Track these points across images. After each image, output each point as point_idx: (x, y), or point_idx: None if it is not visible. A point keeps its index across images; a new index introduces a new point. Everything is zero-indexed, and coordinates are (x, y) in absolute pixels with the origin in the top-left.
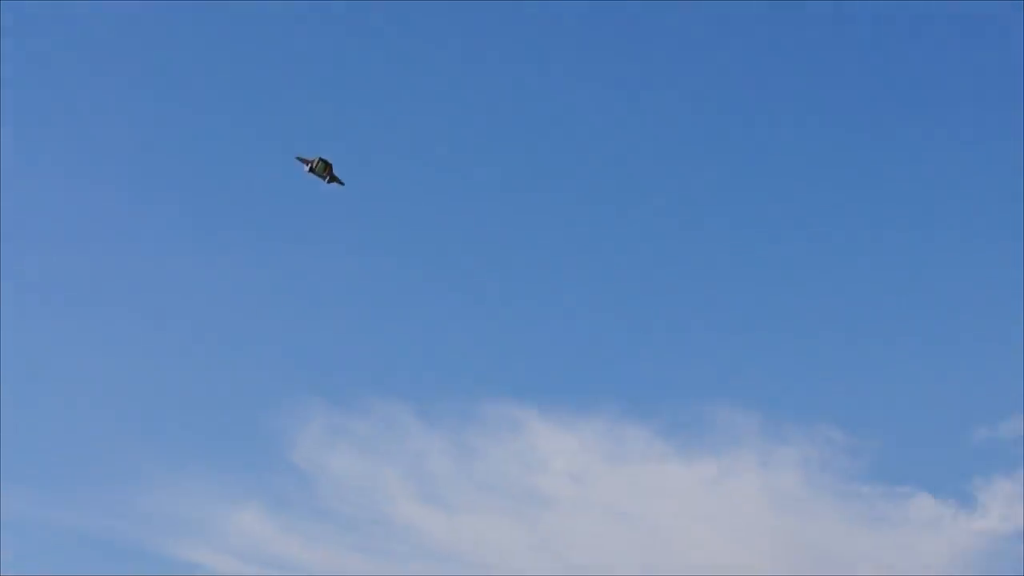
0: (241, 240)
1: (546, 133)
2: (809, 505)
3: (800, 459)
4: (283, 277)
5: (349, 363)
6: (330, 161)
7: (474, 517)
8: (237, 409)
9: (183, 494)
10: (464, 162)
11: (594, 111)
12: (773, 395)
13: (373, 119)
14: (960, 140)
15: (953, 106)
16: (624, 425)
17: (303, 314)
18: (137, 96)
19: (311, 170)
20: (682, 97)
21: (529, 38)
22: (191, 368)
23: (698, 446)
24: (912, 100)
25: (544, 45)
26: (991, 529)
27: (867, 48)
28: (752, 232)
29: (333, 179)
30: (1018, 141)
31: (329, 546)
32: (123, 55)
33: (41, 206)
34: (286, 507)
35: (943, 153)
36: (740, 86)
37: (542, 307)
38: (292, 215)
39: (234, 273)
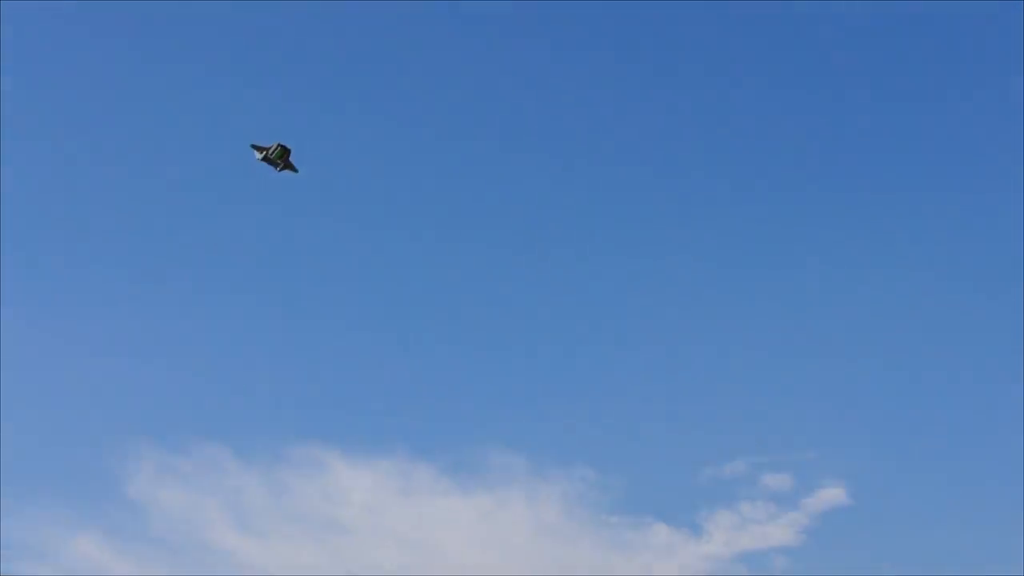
0: (83, 286)
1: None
2: (568, 533)
3: (560, 494)
4: (121, 328)
5: (175, 408)
6: (289, 147)
7: (284, 543)
8: (78, 448)
9: (27, 522)
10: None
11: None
12: (538, 440)
13: None
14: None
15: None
16: (413, 464)
17: (135, 362)
18: None
19: (265, 158)
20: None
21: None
22: (38, 410)
23: (475, 483)
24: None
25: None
26: (715, 553)
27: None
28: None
29: (287, 166)
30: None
31: (158, 569)
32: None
33: None
34: (120, 535)
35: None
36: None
37: (344, 359)
38: (123, 264)
39: (77, 322)
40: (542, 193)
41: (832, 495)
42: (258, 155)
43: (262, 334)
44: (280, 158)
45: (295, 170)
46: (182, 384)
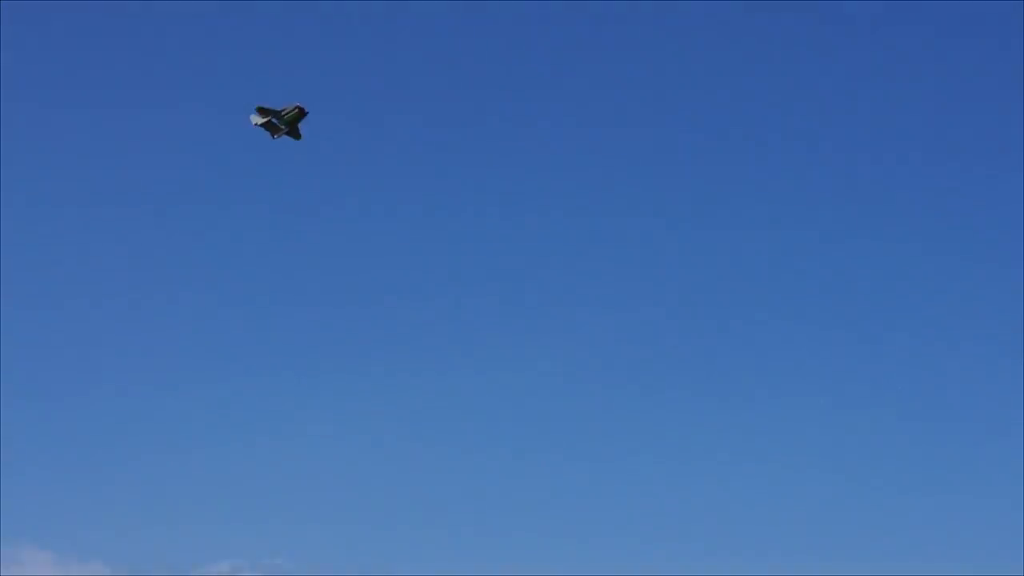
0: None
1: None
2: None
3: None
4: None
5: None
6: (307, 110)
7: None
8: None
9: None
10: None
11: None
12: (62, 537)
13: None
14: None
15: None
16: None
17: None
18: None
19: (267, 122)
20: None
21: None
22: None
23: None
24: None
25: None
26: None
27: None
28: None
29: (292, 132)
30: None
31: None
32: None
33: None
34: None
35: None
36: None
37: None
38: None
39: None
40: None
41: None
42: (259, 119)
43: None
44: (292, 122)
45: (298, 136)
46: None
